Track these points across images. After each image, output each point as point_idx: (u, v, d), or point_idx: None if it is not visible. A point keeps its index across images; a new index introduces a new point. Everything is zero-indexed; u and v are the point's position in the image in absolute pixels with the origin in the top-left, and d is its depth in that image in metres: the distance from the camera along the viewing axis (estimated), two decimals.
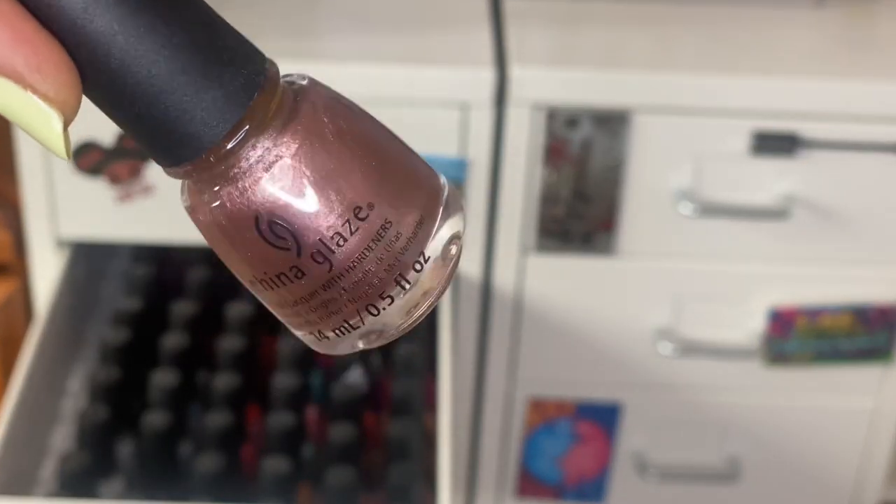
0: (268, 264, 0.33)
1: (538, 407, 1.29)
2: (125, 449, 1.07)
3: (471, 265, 1.21)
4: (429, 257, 0.35)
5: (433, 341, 1.16)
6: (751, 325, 1.25)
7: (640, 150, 1.16)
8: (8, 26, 0.29)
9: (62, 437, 1.12)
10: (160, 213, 1.17)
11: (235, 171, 0.32)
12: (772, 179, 1.18)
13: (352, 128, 0.35)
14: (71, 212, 1.18)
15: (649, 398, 1.29)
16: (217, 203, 0.33)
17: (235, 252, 0.34)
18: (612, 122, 1.14)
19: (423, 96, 1.13)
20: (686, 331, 1.25)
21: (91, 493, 1.02)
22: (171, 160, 0.33)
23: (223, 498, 1.00)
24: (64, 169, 1.15)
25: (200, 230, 0.35)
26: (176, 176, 0.33)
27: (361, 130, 0.35)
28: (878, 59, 1.21)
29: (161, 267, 1.24)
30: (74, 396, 1.17)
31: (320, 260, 0.33)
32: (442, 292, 0.35)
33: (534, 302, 1.23)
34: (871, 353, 1.26)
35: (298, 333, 0.36)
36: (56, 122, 0.30)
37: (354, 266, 0.33)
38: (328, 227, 0.33)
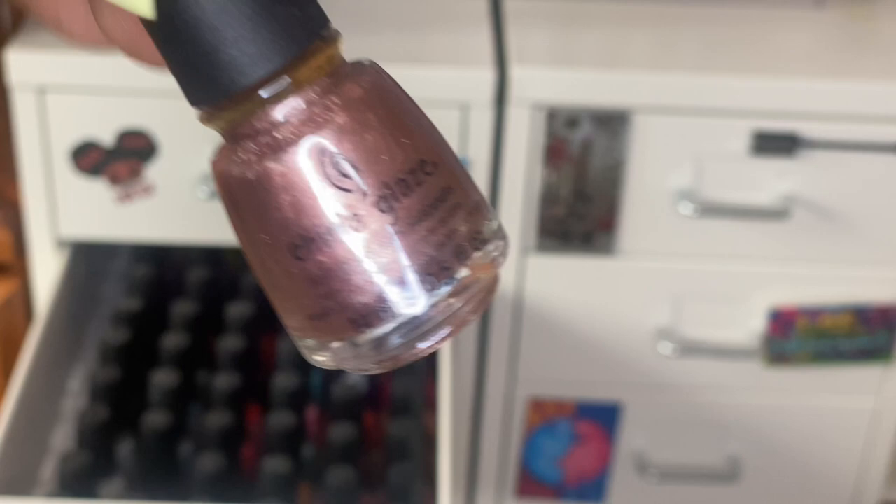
0: (319, 215, 0.30)
1: (538, 407, 1.29)
2: (125, 449, 1.07)
3: None
4: (486, 240, 0.32)
5: None
6: (751, 325, 1.25)
7: (640, 150, 1.16)
8: None
9: (62, 437, 1.12)
10: (160, 213, 1.17)
11: (264, 123, 0.30)
12: (772, 179, 1.18)
13: (406, 109, 0.32)
14: (71, 212, 1.18)
15: (649, 398, 1.29)
16: (247, 157, 0.30)
17: (280, 209, 0.30)
18: (613, 122, 1.14)
19: (423, 96, 1.12)
20: (686, 331, 1.25)
21: (91, 493, 1.02)
22: (207, 95, 0.30)
23: (223, 498, 1.00)
24: (64, 169, 1.15)
25: (231, 193, 0.31)
26: (209, 118, 0.30)
27: (409, 121, 0.32)
28: (879, 59, 1.21)
29: (161, 267, 1.24)
30: (74, 396, 1.17)
31: (384, 208, 0.30)
32: (491, 293, 0.32)
33: (534, 302, 1.23)
34: (871, 354, 1.26)
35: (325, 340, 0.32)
36: None
37: (415, 223, 0.30)
38: (396, 171, 0.30)
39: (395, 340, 0.31)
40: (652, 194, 1.18)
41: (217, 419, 1.04)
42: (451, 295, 0.31)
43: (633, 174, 1.17)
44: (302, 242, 0.30)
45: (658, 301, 1.24)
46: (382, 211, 0.30)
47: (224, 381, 1.08)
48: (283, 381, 1.09)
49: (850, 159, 1.17)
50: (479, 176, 1.16)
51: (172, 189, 1.15)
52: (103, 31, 0.33)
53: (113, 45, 0.33)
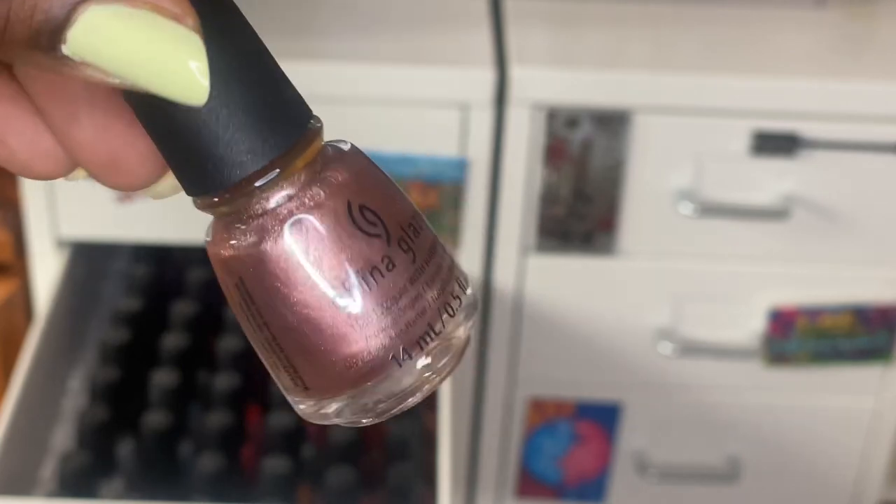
0: (308, 292, 0.33)
1: (538, 407, 1.29)
2: (125, 449, 1.07)
3: (471, 265, 1.21)
4: (467, 289, 0.35)
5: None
6: (751, 325, 1.25)
7: (640, 150, 1.16)
8: None
9: (62, 437, 1.12)
10: (160, 213, 1.17)
11: (260, 209, 0.32)
12: (772, 179, 1.18)
13: (382, 196, 0.34)
14: (71, 212, 1.18)
15: (649, 398, 1.29)
16: (236, 241, 0.33)
17: (272, 287, 0.33)
18: (613, 122, 1.14)
19: (423, 96, 1.13)
20: (686, 331, 1.25)
21: (91, 493, 1.02)
22: (203, 188, 0.32)
23: (223, 498, 1.00)
24: None
25: (219, 268, 0.34)
26: (204, 206, 0.33)
27: (391, 199, 0.34)
28: (879, 59, 1.21)
29: (161, 267, 1.24)
30: (74, 396, 1.17)
31: (365, 289, 0.33)
32: (452, 368, 0.35)
33: (534, 302, 1.23)
34: (871, 354, 1.26)
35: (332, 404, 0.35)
36: (198, 46, 0.28)
37: (391, 305, 0.33)
38: (376, 250, 0.33)
39: (378, 406, 0.34)
40: (652, 194, 1.18)
41: (217, 419, 1.04)
42: (428, 366, 0.34)
43: (633, 174, 1.17)
44: (295, 319, 0.33)
45: (658, 301, 1.24)
46: (364, 291, 0.32)
47: (224, 381, 1.08)
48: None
49: (850, 159, 1.17)
50: (480, 176, 1.16)
51: None
52: (77, 149, 0.31)
53: (77, 167, 0.32)
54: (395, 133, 1.14)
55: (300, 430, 1.07)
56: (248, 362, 1.12)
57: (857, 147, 1.16)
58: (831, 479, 1.34)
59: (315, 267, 0.32)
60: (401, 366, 0.33)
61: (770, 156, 1.16)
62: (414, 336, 0.33)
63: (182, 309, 1.16)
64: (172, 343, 1.12)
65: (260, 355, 0.35)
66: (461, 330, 0.35)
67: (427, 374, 0.34)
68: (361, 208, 0.33)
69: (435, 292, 0.33)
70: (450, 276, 0.34)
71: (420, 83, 1.13)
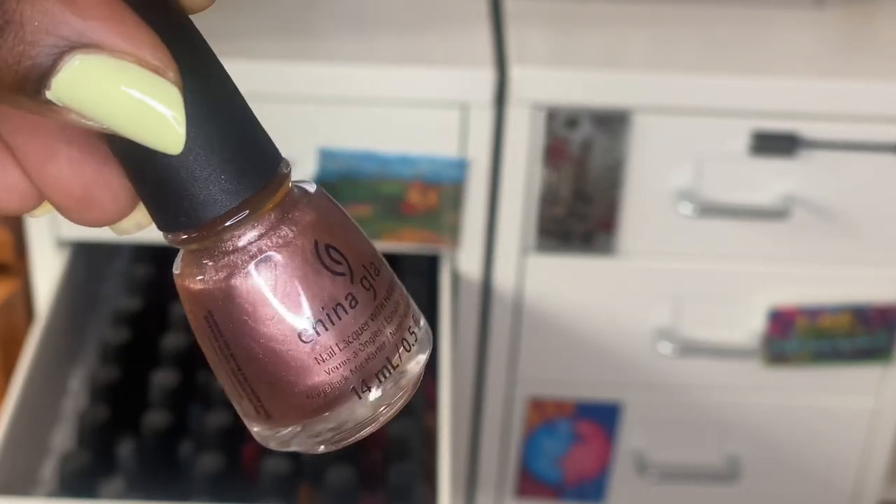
0: (276, 326, 0.34)
1: (538, 407, 1.29)
2: (125, 449, 1.07)
3: (471, 265, 1.21)
4: (420, 324, 0.37)
5: (433, 341, 1.16)
6: (751, 325, 1.25)
7: (639, 151, 1.16)
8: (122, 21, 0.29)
9: (62, 437, 1.12)
10: None
11: (228, 248, 0.34)
12: (771, 179, 1.18)
13: (346, 236, 0.36)
14: None
15: (649, 398, 1.29)
16: (202, 276, 0.34)
17: (238, 320, 0.35)
18: (612, 123, 1.14)
19: (423, 96, 1.13)
20: (686, 331, 1.25)
21: (91, 493, 1.02)
22: (173, 225, 0.34)
23: (223, 498, 1.00)
24: None
25: (184, 298, 0.36)
26: (174, 242, 0.35)
27: (354, 239, 0.36)
28: (878, 60, 1.21)
29: (161, 267, 1.24)
30: (75, 396, 1.17)
31: (327, 327, 0.34)
32: (404, 398, 0.36)
33: (534, 302, 1.23)
34: (870, 353, 1.26)
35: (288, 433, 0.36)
36: (177, 98, 0.30)
37: (351, 341, 0.34)
38: (340, 289, 0.34)
39: (333, 435, 0.37)
40: (651, 194, 1.18)
41: (217, 419, 1.04)
42: (383, 398, 0.36)
43: (632, 174, 1.17)
44: (261, 351, 0.34)
45: (658, 301, 1.24)
46: (328, 326, 0.34)
47: None
48: None
49: (850, 159, 1.17)
50: (479, 176, 1.16)
51: None
52: (52, 184, 0.32)
53: (43, 203, 0.33)
54: (395, 133, 1.14)
55: None
56: None
57: (856, 147, 1.16)
58: (831, 478, 1.34)
59: (282, 303, 0.34)
60: (360, 398, 0.35)
61: (769, 156, 1.16)
62: (373, 370, 0.35)
63: (182, 309, 1.16)
64: (172, 343, 1.12)
65: (222, 383, 0.36)
66: (413, 364, 0.36)
67: (382, 408, 0.36)
68: (328, 247, 0.34)
69: (393, 328, 0.35)
70: (406, 312, 0.36)
71: (420, 83, 1.13)
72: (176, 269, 0.36)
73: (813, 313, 1.24)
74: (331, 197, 0.36)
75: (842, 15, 1.26)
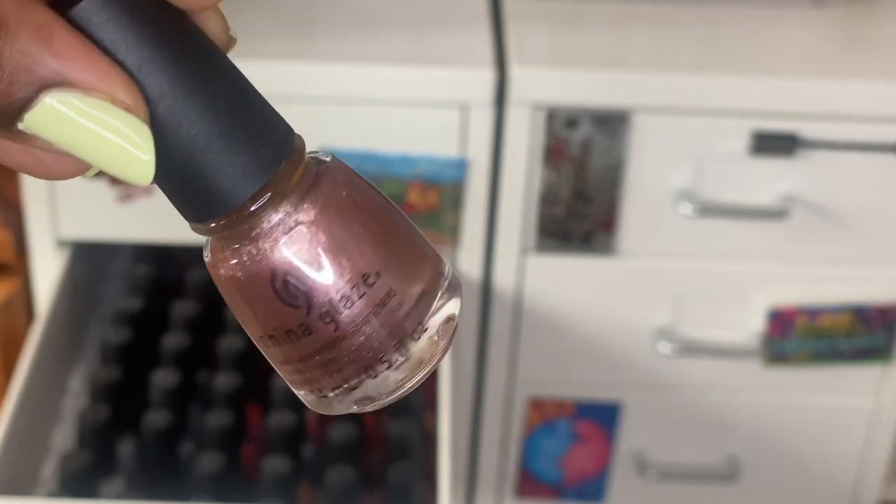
0: (278, 320, 0.36)
1: (538, 407, 1.30)
2: (126, 448, 1.07)
3: (471, 265, 1.21)
4: (426, 329, 0.37)
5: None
6: (750, 325, 1.25)
7: (639, 151, 1.16)
8: (89, 59, 0.31)
9: (63, 437, 1.12)
10: (161, 213, 1.17)
11: (256, 231, 0.35)
12: (771, 179, 1.18)
13: (366, 203, 0.37)
14: (72, 212, 1.18)
15: (649, 398, 1.29)
16: (236, 260, 0.36)
17: (249, 307, 0.36)
18: (612, 123, 1.14)
19: (423, 96, 1.13)
20: (686, 331, 1.25)
21: (91, 493, 1.02)
22: (199, 216, 0.35)
23: (223, 498, 1.00)
24: None
25: (217, 284, 0.37)
26: (201, 232, 0.36)
27: (375, 207, 0.37)
28: (878, 59, 1.21)
29: (161, 267, 1.25)
30: (75, 396, 1.17)
31: (328, 320, 0.35)
32: (434, 367, 0.37)
33: (534, 302, 1.23)
34: (870, 353, 1.26)
35: (300, 392, 0.39)
36: (147, 136, 0.32)
37: (358, 329, 0.36)
38: (337, 290, 0.35)
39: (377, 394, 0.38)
40: (651, 194, 1.18)
41: (217, 419, 1.04)
42: (421, 353, 0.37)
43: (632, 174, 1.17)
44: (269, 334, 0.36)
45: (657, 301, 1.24)
46: (326, 322, 0.35)
47: (224, 380, 1.08)
48: (283, 380, 1.09)
49: (850, 159, 1.17)
50: (479, 176, 1.16)
51: None
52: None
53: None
54: (395, 133, 1.14)
55: (300, 430, 1.07)
56: (248, 362, 1.12)
57: (856, 147, 1.16)
58: (830, 478, 1.35)
59: (315, 274, 0.35)
60: (399, 355, 0.36)
61: (769, 156, 1.16)
62: (408, 330, 0.36)
63: (182, 309, 1.17)
64: (173, 343, 1.12)
65: (264, 353, 0.38)
66: (441, 314, 0.37)
67: (422, 363, 0.37)
68: (356, 206, 0.36)
69: (421, 287, 0.37)
70: (435, 265, 0.38)
71: (420, 83, 1.13)
72: (207, 257, 0.37)
73: (813, 313, 1.24)
74: (345, 164, 0.37)
75: (841, 15, 1.26)
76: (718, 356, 1.26)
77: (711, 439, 1.32)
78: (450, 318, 0.38)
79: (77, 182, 1.16)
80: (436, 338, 0.37)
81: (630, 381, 1.29)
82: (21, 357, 1.09)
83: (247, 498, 1.02)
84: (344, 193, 0.36)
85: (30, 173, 0.33)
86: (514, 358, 1.27)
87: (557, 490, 1.35)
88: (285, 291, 0.35)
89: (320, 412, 0.39)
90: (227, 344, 1.12)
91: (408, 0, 1.24)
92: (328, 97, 1.12)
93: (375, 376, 0.36)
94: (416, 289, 0.37)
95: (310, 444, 1.09)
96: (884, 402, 1.29)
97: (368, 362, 0.36)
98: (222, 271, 0.36)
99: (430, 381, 1.15)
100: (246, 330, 0.37)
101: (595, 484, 1.35)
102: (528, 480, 1.34)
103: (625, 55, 1.20)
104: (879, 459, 1.33)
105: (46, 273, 1.21)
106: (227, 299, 0.37)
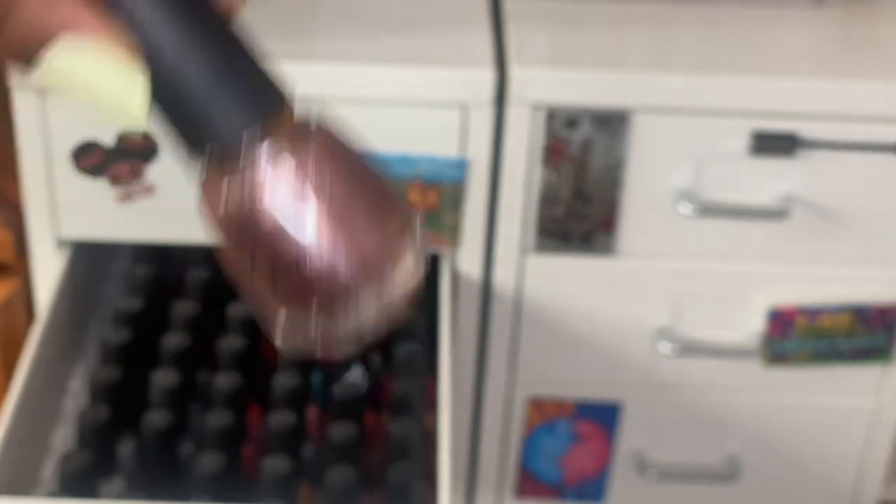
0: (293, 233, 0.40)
1: (538, 407, 1.30)
2: (126, 448, 1.07)
3: (471, 265, 1.21)
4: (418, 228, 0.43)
5: (433, 341, 1.16)
6: (750, 325, 1.25)
7: (639, 151, 1.16)
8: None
9: (63, 437, 1.12)
10: (161, 213, 1.17)
11: (247, 163, 0.39)
12: (771, 179, 1.18)
13: (345, 161, 0.42)
14: (72, 212, 1.18)
15: (649, 398, 1.30)
16: (226, 190, 0.40)
17: (263, 233, 0.40)
18: (612, 123, 1.14)
19: (423, 97, 1.13)
20: (686, 331, 1.25)
21: (91, 493, 1.02)
22: (198, 146, 0.39)
23: (224, 498, 1.00)
24: (65, 169, 1.16)
25: (222, 226, 0.41)
26: (199, 162, 0.41)
27: (353, 167, 0.42)
28: (878, 59, 1.21)
29: (162, 267, 1.25)
30: (75, 396, 1.17)
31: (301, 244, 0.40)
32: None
33: (534, 302, 1.23)
34: (870, 353, 1.26)
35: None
36: (142, 82, 0.36)
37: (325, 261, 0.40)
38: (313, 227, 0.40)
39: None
40: (651, 194, 1.18)
41: (217, 419, 1.05)
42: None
43: (632, 174, 1.17)
44: (291, 257, 0.40)
45: (657, 301, 1.24)
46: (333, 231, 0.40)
47: (224, 380, 1.08)
48: (283, 380, 1.09)
49: (849, 159, 1.17)
50: (479, 176, 1.16)
51: (173, 189, 1.15)
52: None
53: None
54: (395, 133, 1.14)
55: (300, 430, 1.07)
56: (248, 362, 1.12)
57: (855, 147, 1.16)
58: (830, 478, 1.35)
59: (294, 215, 0.39)
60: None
61: (769, 156, 1.16)
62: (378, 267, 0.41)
63: (182, 309, 1.17)
64: (173, 343, 1.12)
65: (253, 296, 0.42)
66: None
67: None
68: (335, 168, 0.41)
69: (395, 226, 0.41)
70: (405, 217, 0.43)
71: (420, 83, 1.13)
72: (200, 197, 0.41)
73: (812, 313, 1.24)
74: (331, 126, 0.42)
75: (841, 14, 1.26)
76: (718, 356, 1.26)
77: (711, 439, 1.32)
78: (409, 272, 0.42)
79: (78, 182, 1.16)
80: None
81: (630, 381, 1.29)
82: (21, 357, 1.09)
83: (247, 498, 1.02)
84: (328, 147, 0.40)
85: None
86: (514, 358, 1.27)
87: (557, 490, 1.35)
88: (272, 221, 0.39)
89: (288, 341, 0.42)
90: (228, 344, 1.12)
91: (408, 1, 1.24)
92: (328, 97, 1.12)
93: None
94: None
95: (310, 444, 1.09)
96: (884, 403, 1.29)
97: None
98: (212, 210, 0.41)
99: (430, 382, 1.15)
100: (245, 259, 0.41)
101: (595, 484, 1.35)
102: (528, 480, 1.34)
103: (624, 55, 1.20)
104: (879, 459, 1.33)
105: (46, 273, 1.21)
106: (225, 235, 0.41)
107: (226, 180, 0.40)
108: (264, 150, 0.39)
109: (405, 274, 0.41)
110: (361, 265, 0.40)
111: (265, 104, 0.39)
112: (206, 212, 0.41)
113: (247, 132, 0.39)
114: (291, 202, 0.39)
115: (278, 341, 0.42)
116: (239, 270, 0.41)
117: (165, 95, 0.38)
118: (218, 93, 0.38)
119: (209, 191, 0.40)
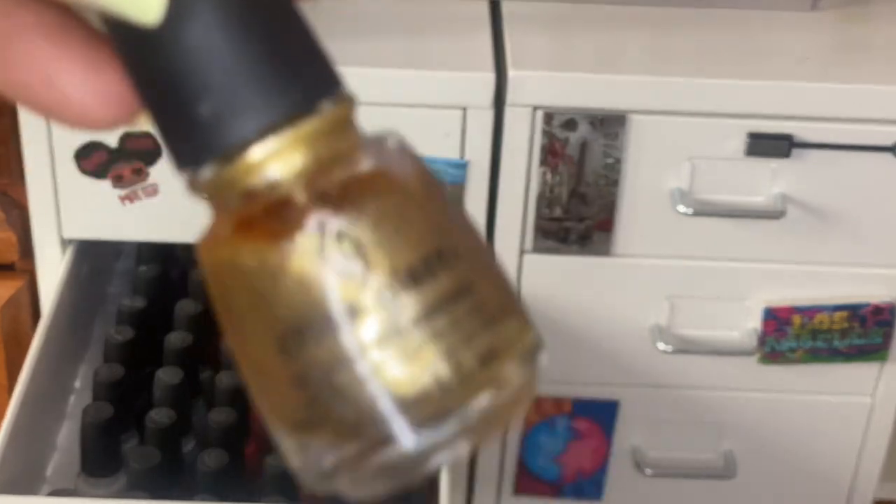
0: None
1: (536, 404, 1.30)
2: (129, 446, 1.08)
3: None
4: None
5: None
6: (747, 324, 1.26)
7: (636, 152, 1.17)
8: None
9: (67, 434, 1.13)
10: (164, 212, 1.18)
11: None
12: (767, 180, 1.19)
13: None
14: (76, 212, 1.19)
15: (646, 396, 1.30)
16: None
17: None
18: (609, 124, 1.15)
19: (423, 99, 1.14)
20: (682, 329, 1.26)
21: (95, 488, 1.03)
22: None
23: (227, 495, 1.01)
24: (68, 170, 1.16)
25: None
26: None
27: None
28: (872, 62, 1.22)
29: (165, 266, 1.25)
30: (79, 394, 1.18)
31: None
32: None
33: (532, 301, 1.24)
34: (866, 352, 1.27)
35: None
36: None
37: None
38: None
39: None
40: (648, 195, 1.19)
41: (221, 416, 1.05)
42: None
43: (629, 175, 1.18)
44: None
45: (655, 300, 1.25)
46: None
47: (228, 378, 1.09)
48: None
49: (844, 160, 1.17)
50: (479, 177, 1.17)
51: (176, 189, 1.16)
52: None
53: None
54: None
55: None
56: None
57: (850, 148, 1.17)
58: (827, 476, 1.35)
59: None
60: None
61: (765, 157, 1.17)
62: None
63: (186, 307, 1.17)
64: (176, 341, 1.13)
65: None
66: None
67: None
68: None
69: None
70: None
71: (420, 86, 1.14)
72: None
73: (808, 312, 1.24)
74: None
75: (837, 18, 1.27)
76: (715, 355, 1.27)
77: (708, 437, 1.33)
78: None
79: (81, 181, 1.17)
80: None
81: (628, 379, 1.29)
82: (26, 356, 1.09)
83: (250, 495, 1.03)
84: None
85: (59, 118, 0.28)
86: None
87: (556, 487, 1.36)
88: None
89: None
90: None
91: (408, 5, 1.25)
92: None
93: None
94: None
95: None
96: (879, 401, 1.30)
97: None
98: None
99: None
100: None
101: (593, 481, 1.35)
102: (527, 478, 1.35)
103: (622, 58, 1.20)
104: (875, 458, 1.33)
105: (51, 272, 1.21)
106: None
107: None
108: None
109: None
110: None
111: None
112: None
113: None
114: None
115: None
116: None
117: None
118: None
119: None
